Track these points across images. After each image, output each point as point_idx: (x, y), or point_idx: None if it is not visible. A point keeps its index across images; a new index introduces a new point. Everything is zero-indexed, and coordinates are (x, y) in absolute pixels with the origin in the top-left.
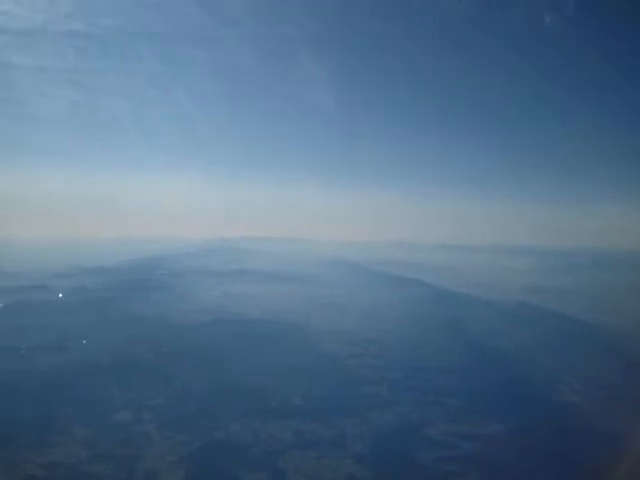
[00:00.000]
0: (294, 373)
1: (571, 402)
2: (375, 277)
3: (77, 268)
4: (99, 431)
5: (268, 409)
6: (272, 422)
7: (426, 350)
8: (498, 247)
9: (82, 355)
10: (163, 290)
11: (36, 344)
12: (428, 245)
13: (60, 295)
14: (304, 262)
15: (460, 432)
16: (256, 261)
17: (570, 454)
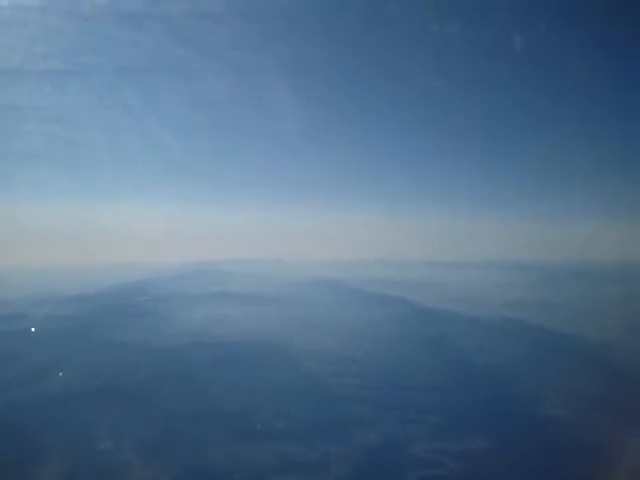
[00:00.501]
0: (275, 394)
1: (556, 416)
2: (357, 295)
3: (58, 296)
4: (77, 461)
5: (249, 432)
6: (254, 445)
7: (408, 368)
8: (484, 262)
9: (60, 384)
10: (144, 315)
11: (12, 375)
12: (412, 262)
13: (36, 326)
14: (285, 283)
15: (444, 449)
16: (236, 283)
17: (556, 468)
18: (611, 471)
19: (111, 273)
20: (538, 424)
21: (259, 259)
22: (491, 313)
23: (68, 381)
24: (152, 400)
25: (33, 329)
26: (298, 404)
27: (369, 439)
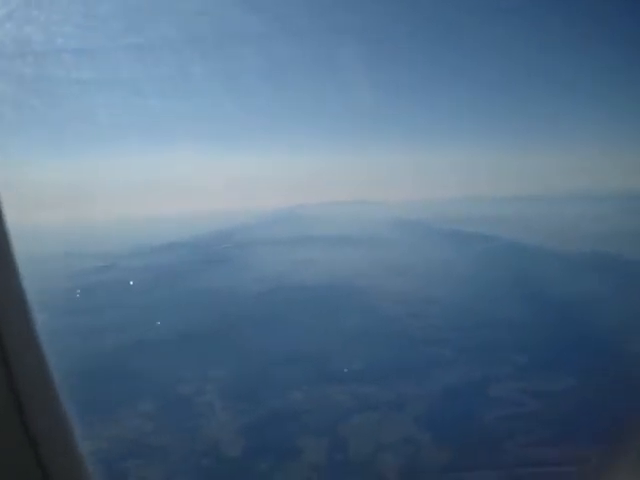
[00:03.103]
0: (355, 337)
1: None
2: (440, 235)
3: (144, 247)
4: (169, 402)
5: (329, 375)
6: (334, 387)
7: (494, 306)
8: (572, 195)
9: (152, 333)
10: (229, 262)
11: (109, 324)
12: (497, 198)
13: (128, 276)
14: (368, 225)
15: (527, 389)
16: (319, 227)
17: None
18: None
19: (198, 222)
20: (628, 363)
21: (342, 201)
22: (579, 247)
23: (159, 328)
24: (238, 344)
25: (128, 276)
26: (379, 346)
27: (449, 380)
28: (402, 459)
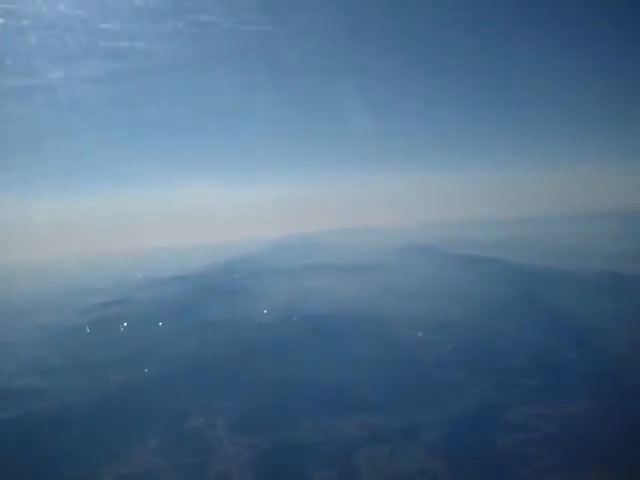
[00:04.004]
0: (367, 365)
1: None
2: (448, 259)
3: (154, 279)
4: (175, 437)
5: (341, 404)
6: (347, 417)
7: (501, 330)
8: (576, 215)
9: (163, 365)
10: (237, 293)
11: (119, 357)
12: (503, 220)
13: (138, 309)
14: (376, 250)
15: (541, 413)
16: (327, 254)
17: None
18: None
19: (205, 253)
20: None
21: (348, 228)
22: (587, 267)
23: (170, 361)
24: (248, 375)
25: (138, 309)
26: (392, 373)
27: (463, 405)
28: None
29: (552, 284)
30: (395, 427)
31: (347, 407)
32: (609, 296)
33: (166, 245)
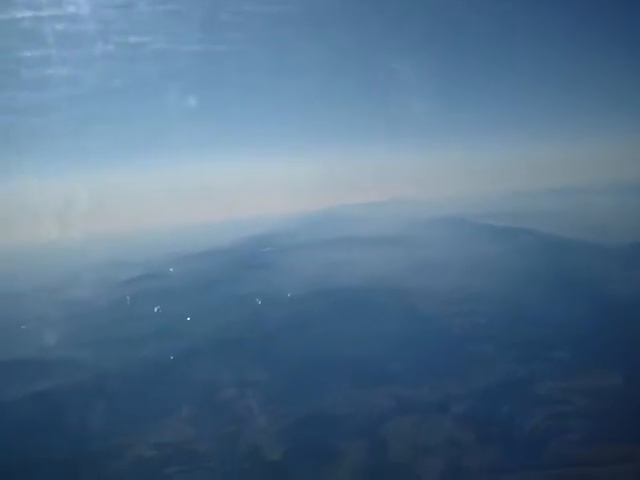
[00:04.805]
0: (396, 338)
1: None
2: (479, 230)
3: (186, 254)
4: (209, 407)
5: (370, 376)
6: (375, 389)
7: (533, 303)
8: (608, 187)
9: (195, 337)
10: (268, 267)
11: (153, 330)
12: (537, 192)
13: (172, 283)
14: (405, 223)
15: (570, 387)
16: (357, 228)
17: None
18: None
19: (238, 227)
20: None
21: (378, 201)
22: (620, 239)
23: (202, 333)
24: (279, 348)
25: (174, 283)
26: (421, 346)
27: (490, 378)
28: (445, 460)
29: (583, 256)
30: (423, 399)
31: (376, 379)
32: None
33: (197, 220)
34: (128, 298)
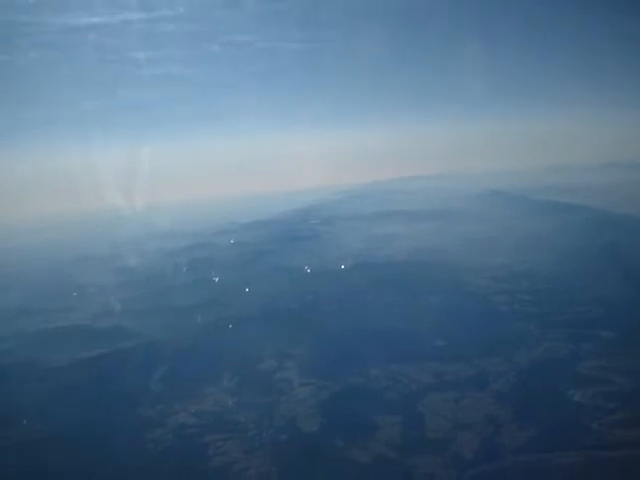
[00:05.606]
0: (440, 313)
1: None
2: (530, 206)
3: (235, 224)
4: (251, 377)
5: (411, 351)
6: (415, 364)
7: (582, 281)
8: None
9: (239, 308)
10: (315, 238)
11: (199, 300)
12: (589, 166)
13: (218, 253)
14: (454, 197)
15: (616, 367)
16: (406, 201)
17: None
18: None
19: (284, 200)
20: None
21: (427, 175)
22: None
23: (247, 304)
24: (322, 320)
25: (221, 253)
26: (464, 322)
27: (533, 357)
28: (484, 437)
29: (635, 234)
30: (463, 375)
31: (417, 354)
32: None
33: (246, 192)
34: (171, 269)
